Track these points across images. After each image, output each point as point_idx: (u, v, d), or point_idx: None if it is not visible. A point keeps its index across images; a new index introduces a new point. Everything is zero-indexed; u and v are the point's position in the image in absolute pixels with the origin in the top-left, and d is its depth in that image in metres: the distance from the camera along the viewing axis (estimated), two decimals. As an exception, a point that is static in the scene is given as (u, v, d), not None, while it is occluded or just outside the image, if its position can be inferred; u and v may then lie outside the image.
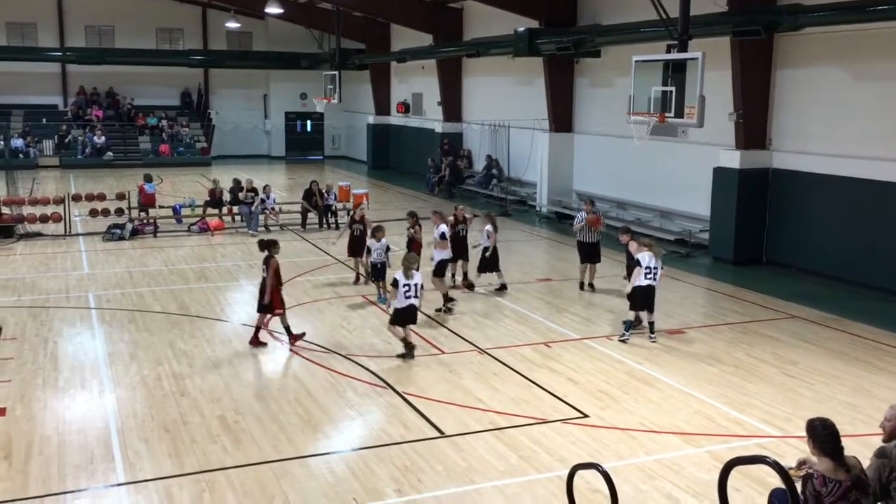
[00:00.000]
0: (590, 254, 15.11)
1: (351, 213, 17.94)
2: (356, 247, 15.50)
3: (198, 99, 41.38)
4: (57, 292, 14.94)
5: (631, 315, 12.26)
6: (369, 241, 14.36)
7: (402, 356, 11.25)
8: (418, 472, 7.94)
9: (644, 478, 7.87)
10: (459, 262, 15.30)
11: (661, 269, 12.25)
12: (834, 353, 11.70)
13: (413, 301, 11.23)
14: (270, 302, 11.69)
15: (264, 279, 11.70)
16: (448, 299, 13.69)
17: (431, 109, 32.72)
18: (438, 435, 8.81)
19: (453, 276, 15.41)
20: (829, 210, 15.98)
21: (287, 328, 11.84)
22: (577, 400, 9.84)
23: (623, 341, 12.00)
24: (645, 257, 11.97)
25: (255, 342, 11.82)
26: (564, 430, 8.99)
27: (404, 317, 11.31)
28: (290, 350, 11.70)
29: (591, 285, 15.16)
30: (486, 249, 14.88)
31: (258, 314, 11.94)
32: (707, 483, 7.57)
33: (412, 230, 15.03)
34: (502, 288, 15.06)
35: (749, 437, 8.86)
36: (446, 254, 14.20)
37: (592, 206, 15.30)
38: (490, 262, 14.94)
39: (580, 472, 6.42)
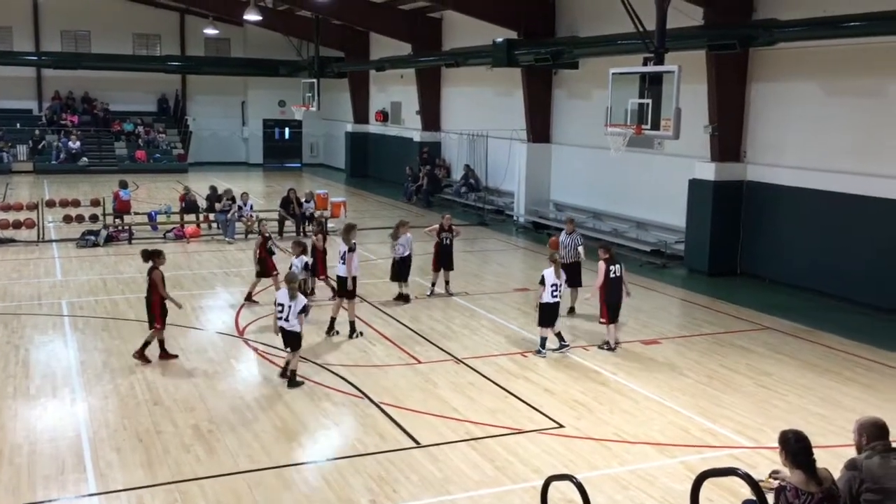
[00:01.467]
0: (567, 276, 13.39)
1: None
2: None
3: (175, 105, 41.13)
4: (29, 299, 14.77)
5: (547, 332, 12.03)
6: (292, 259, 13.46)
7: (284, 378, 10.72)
8: (393, 483, 7.92)
9: (618, 488, 7.90)
10: (441, 271, 15.39)
11: (564, 283, 12.15)
12: (806, 365, 11.82)
13: (281, 323, 10.56)
14: (152, 315, 11.25)
15: (150, 291, 11.28)
16: (352, 328, 12.78)
17: (410, 118, 32.76)
18: (414, 445, 8.80)
19: (434, 284, 15.45)
20: (801, 222, 16.18)
21: (161, 342, 11.39)
22: (553, 410, 9.87)
23: (543, 356, 11.89)
24: (550, 275, 11.83)
25: (165, 356, 11.40)
26: (540, 440, 9.01)
27: (283, 338, 10.77)
28: (264, 358, 11.63)
29: (571, 309, 14.27)
30: (397, 259, 14.71)
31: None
32: (680, 493, 7.62)
33: (315, 238, 14.76)
34: (401, 298, 14.90)
35: (722, 447, 8.93)
36: (350, 271, 12.67)
37: (572, 225, 14.62)
38: (401, 272, 14.82)
39: (555, 483, 6.44)
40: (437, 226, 15.46)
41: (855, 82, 15.22)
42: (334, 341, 12.55)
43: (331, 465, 8.32)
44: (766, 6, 16.34)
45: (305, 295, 12.62)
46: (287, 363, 10.71)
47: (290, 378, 10.55)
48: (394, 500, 7.57)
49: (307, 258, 13.51)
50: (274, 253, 14.80)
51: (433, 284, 15.46)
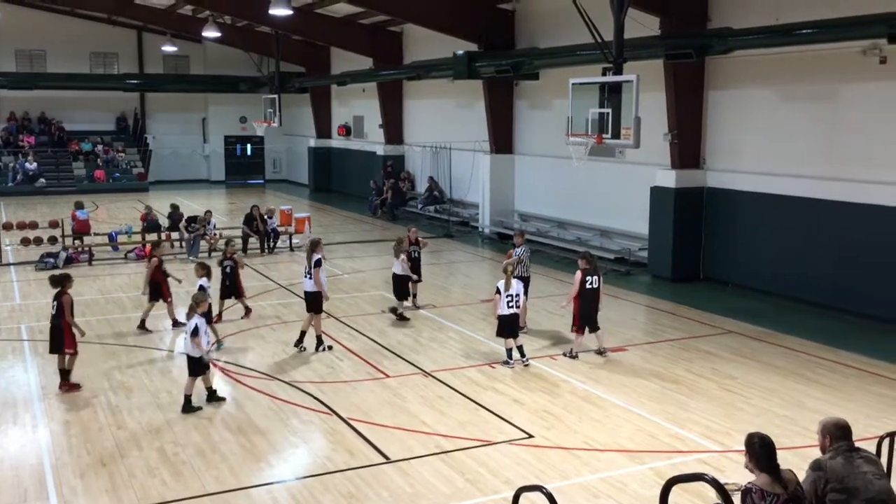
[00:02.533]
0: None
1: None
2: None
3: (134, 123, 40.66)
4: (-13, 324, 14.47)
5: (511, 343, 12.06)
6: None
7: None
8: (363, 499, 7.86)
9: (589, 497, 7.92)
10: (410, 283, 15.26)
11: (522, 294, 12.13)
12: (770, 367, 11.97)
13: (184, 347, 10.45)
14: (62, 342, 10.88)
15: (53, 317, 10.98)
16: (309, 341, 12.72)
17: (373, 132, 32.74)
18: (384, 460, 8.75)
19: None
20: (761, 227, 16.42)
21: (67, 371, 10.99)
22: (522, 421, 9.88)
23: (511, 366, 11.90)
24: (503, 286, 11.87)
25: (68, 386, 10.91)
26: (510, 451, 9.01)
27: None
28: (228, 376, 11.50)
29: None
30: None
31: (58, 356, 11.05)
32: (650, 499, 7.65)
33: (235, 256, 14.30)
34: (402, 317, 14.64)
35: (690, 452, 9.00)
36: (319, 286, 12.57)
37: (521, 238, 14.45)
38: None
39: (525, 494, 6.43)
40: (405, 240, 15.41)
41: (809, 88, 15.52)
42: (302, 357, 12.44)
43: (300, 484, 8.23)
44: (721, 16, 16.63)
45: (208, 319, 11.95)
46: (208, 386, 10.43)
47: (185, 402, 10.20)
48: (364, 517, 7.52)
49: (207, 282, 12.56)
50: (169, 276, 14.27)
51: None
